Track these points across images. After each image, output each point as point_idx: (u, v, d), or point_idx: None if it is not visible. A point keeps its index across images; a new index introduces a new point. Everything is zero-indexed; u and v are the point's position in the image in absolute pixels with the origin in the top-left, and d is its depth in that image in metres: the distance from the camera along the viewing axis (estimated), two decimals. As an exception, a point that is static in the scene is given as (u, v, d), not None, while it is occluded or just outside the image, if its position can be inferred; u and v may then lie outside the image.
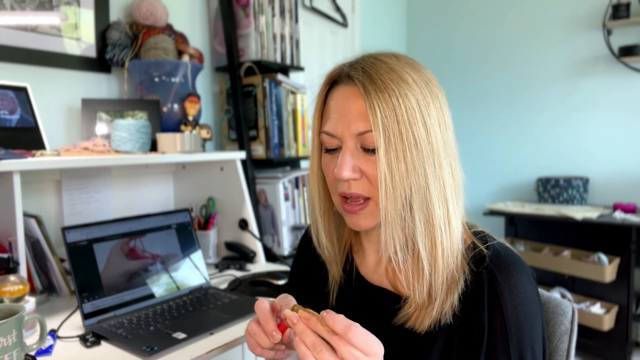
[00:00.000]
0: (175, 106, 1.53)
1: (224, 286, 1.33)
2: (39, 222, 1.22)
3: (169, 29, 1.61)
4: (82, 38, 1.46)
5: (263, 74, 1.81)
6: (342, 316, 0.53)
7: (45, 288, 1.24)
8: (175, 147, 1.39)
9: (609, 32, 2.72)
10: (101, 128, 1.43)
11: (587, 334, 2.46)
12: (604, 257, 2.37)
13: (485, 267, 0.64)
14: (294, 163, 2.08)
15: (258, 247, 1.59)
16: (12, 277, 0.99)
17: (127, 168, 1.58)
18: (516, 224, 2.84)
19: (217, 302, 1.16)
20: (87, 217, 1.45)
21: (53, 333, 0.99)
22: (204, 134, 1.58)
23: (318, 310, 0.56)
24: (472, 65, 3.26)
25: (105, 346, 0.95)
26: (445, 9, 3.36)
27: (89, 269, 1.08)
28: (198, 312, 1.10)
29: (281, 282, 1.31)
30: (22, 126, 1.25)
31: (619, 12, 2.61)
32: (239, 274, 1.45)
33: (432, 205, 0.63)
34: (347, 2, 2.82)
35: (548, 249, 2.63)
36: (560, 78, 2.94)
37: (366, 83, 0.62)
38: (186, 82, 1.54)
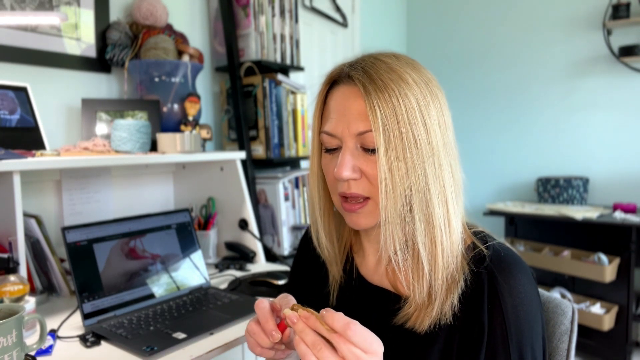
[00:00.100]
0: (175, 106, 1.53)
1: (224, 286, 1.33)
2: (39, 222, 1.22)
3: (169, 29, 1.61)
4: (82, 38, 1.46)
5: (263, 74, 1.81)
6: (341, 314, 0.53)
7: (45, 288, 1.24)
8: (175, 147, 1.39)
9: (609, 32, 2.72)
10: (101, 128, 1.43)
11: (587, 334, 2.46)
12: (604, 257, 2.37)
13: (485, 267, 0.64)
14: (294, 163, 2.08)
15: (258, 247, 1.59)
16: (12, 277, 0.99)
17: (127, 168, 1.58)
18: (516, 224, 2.84)
19: (217, 302, 1.16)
20: (87, 217, 1.45)
21: (53, 333, 0.99)
22: (204, 134, 1.58)
23: (318, 310, 0.56)
24: (472, 65, 3.27)
25: (105, 346, 0.95)
26: (445, 9, 3.36)
27: (89, 269, 1.08)
28: (198, 312, 1.10)
29: (281, 282, 1.31)
30: (22, 126, 1.26)
31: (619, 12, 2.61)
32: (239, 274, 1.45)
33: (432, 205, 0.63)
34: (347, 2, 2.82)
35: (548, 249, 2.63)
36: (560, 78, 2.94)
37: (366, 83, 0.62)
38: (186, 82, 1.54)
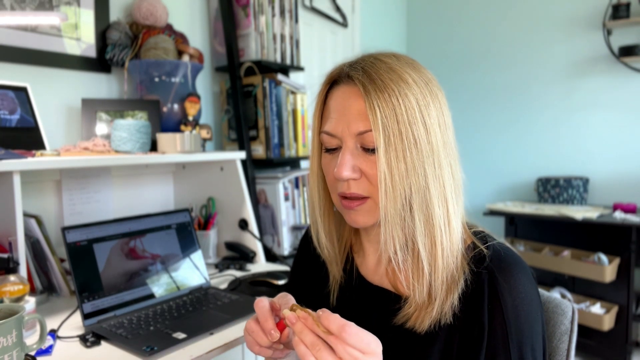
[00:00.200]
0: (175, 106, 1.53)
1: (224, 286, 1.33)
2: (39, 222, 1.22)
3: (169, 29, 1.61)
4: (82, 38, 1.46)
5: (263, 74, 1.81)
6: (337, 316, 0.53)
7: (45, 288, 1.24)
8: (175, 147, 1.39)
9: (609, 32, 2.72)
10: (101, 128, 1.43)
11: (587, 334, 2.46)
12: (604, 257, 2.37)
13: (485, 267, 0.64)
14: (294, 163, 2.08)
15: (258, 247, 1.59)
16: (12, 277, 0.99)
17: (127, 168, 1.58)
18: (516, 224, 2.84)
19: (217, 302, 1.16)
20: (87, 217, 1.45)
21: (53, 333, 0.99)
22: (204, 134, 1.58)
23: (317, 310, 0.56)
24: (472, 65, 3.27)
25: (105, 346, 0.95)
26: (445, 9, 3.36)
27: (89, 269, 1.08)
28: (198, 312, 1.10)
29: (281, 282, 1.31)
30: (22, 126, 1.26)
31: (619, 12, 2.61)
32: (239, 274, 1.45)
33: (432, 205, 0.63)
34: (347, 2, 2.82)
35: (548, 249, 2.63)
36: (560, 78, 2.94)
37: (366, 83, 0.62)
38: (186, 82, 1.54)
